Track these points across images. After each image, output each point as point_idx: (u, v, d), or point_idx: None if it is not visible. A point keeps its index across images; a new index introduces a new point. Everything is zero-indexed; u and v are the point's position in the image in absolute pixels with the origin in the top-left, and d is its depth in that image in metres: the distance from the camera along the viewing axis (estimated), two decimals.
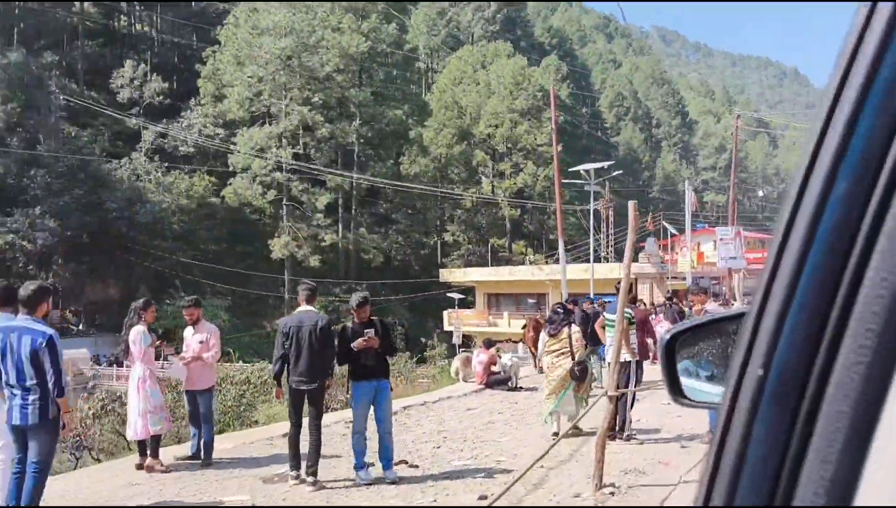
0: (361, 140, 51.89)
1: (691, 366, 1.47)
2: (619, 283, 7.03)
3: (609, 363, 7.19)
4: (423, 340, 33.24)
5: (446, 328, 37.17)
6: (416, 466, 7.48)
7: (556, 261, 32.65)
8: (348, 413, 8.19)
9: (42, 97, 45.33)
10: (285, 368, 6.75)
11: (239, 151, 49.27)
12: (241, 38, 50.52)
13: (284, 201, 49.48)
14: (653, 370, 10.23)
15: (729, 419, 0.61)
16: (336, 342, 6.88)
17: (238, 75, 50.06)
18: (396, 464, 7.12)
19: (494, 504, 5.67)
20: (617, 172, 42.27)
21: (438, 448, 8.48)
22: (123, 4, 62.14)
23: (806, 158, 0.59)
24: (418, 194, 54.42)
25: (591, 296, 19.75)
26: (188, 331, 7.95)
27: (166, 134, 51.21)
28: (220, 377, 13.50)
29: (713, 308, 8.50)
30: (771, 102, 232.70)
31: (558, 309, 9.19)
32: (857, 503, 0.50)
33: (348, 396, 7.71)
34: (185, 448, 8.12)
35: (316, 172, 48.97)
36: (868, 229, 0.52)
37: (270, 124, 50.55)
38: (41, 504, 5.53)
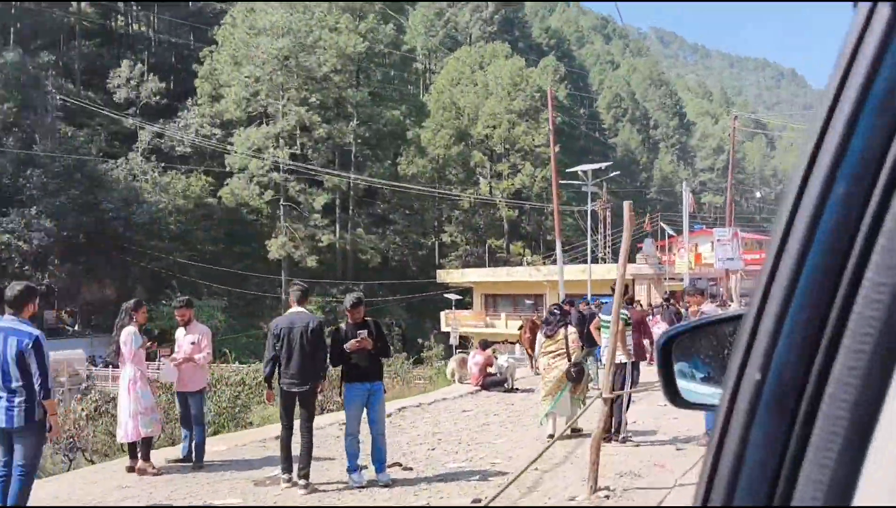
0: (359, 140, 51.79)
1: (687, 368, 1.43)
2: (613, 284, 6.97)
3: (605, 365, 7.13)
4: (420, 341, 33.19)
5: (443, 328, 37.09)
6: (410, 468, 7.43)
7: (554, 262, 32.58)
8: (343, 415, 8.13)
9: (38, 97, 45.18)
10: (277, 370, 6.69)
11: (236, 152, 49.12)
12: (239, 38, 50.40)
13: (281, 202, 49.36)
14: (650, 372, 10.18)
15: (727, 421, 0.61)
16: (329, 344, 6.82)
17: (235, 75, 49.94)
18: (390, 466, 7.07)
19: (488, 507, 5.60)
20: (614, 173, 42.26)
21: (433, 450, 8.43)
22: (120, 4, 61.98)
23: (805, 159, 0.59)
24: (416, 195, 54.30)
25: (588, 297, 19.70)
26: (180, 332, 7.92)
27: (163, 134, 51.04)
28: (215, 378, 13.44)
29: (710, 309, 8.46)
30: (769, 104, 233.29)
31: (555, 310, 9.13)
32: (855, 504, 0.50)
33: (342, 398, 7.65)
34: (177, 451, 8.06)
35: (313, 173, 48.87)
36: (867, 229, 0.52)
37: (267, 124, 50.43)
38: (28, 506, 5.46)
